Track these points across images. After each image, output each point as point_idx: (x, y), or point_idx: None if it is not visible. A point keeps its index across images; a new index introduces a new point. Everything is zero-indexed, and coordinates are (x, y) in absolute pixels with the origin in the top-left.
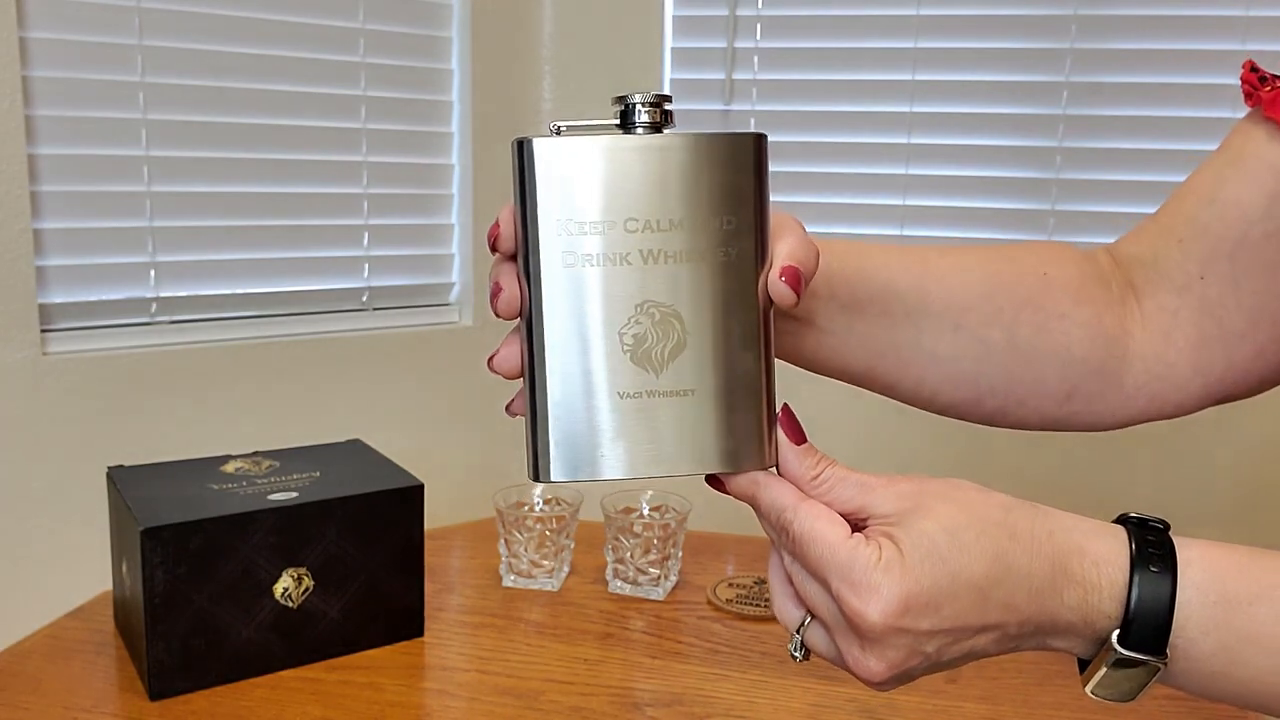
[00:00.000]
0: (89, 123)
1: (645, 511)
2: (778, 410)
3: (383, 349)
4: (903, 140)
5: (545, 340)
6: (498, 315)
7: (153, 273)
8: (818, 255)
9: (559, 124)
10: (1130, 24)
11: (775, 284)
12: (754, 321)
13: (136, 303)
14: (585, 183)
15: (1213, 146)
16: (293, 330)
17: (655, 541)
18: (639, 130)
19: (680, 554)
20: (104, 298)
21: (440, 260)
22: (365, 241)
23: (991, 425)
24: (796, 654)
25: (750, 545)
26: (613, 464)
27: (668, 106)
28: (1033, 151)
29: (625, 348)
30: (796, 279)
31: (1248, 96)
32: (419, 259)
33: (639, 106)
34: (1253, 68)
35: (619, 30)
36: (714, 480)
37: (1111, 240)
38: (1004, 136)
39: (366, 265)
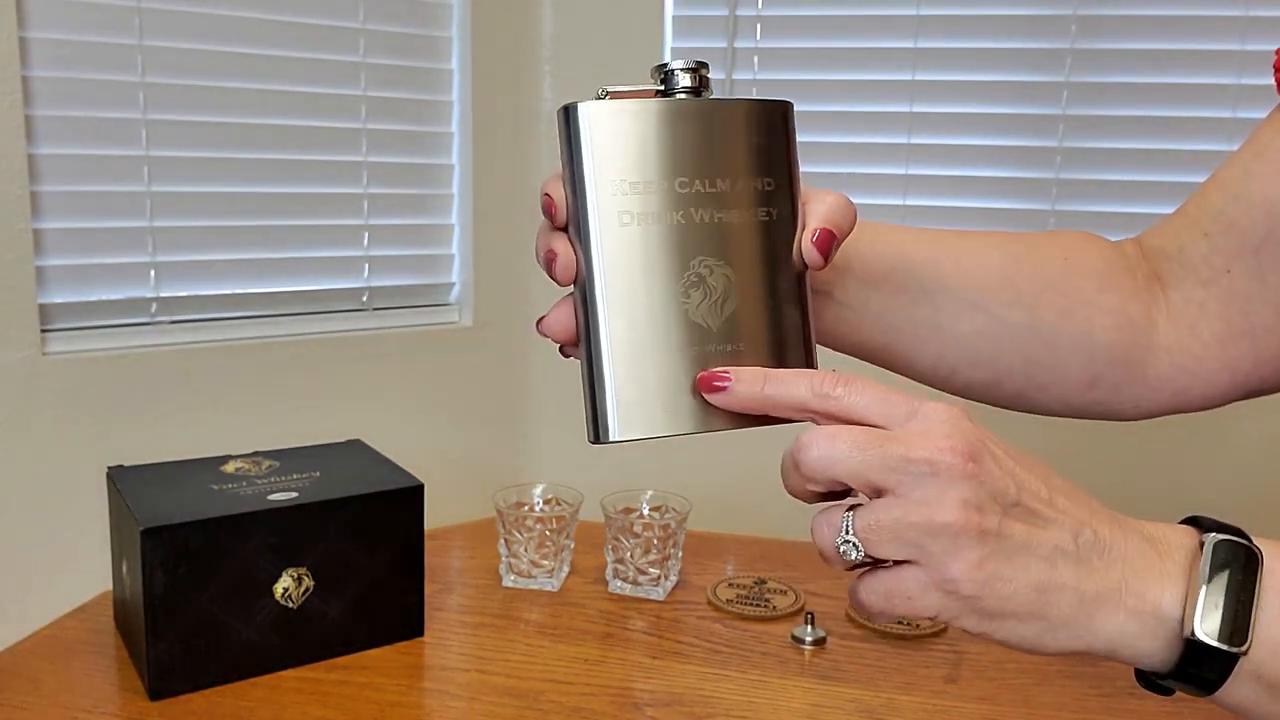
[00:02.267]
0: (89, 123)
1: (645, 511)
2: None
3: (383, 349)
4: (903, 140)
5: (605, 299)
6: (557, 281)
7: (153, 273)
8: (854, 219)
9: (605, 89)
10: (1130, 24)
11: (806, 246)
12: (794, 278)
13: (136, 303)
14: (635, 144)
15: (1213, 146)
16: (293, 330)
17: (655, 541)
18: (680, 95)
19: (680, 554)
20: (104, 298)
21: (440, 260)
22: (365, 241)
23: (1011, 409)
24: (854, 553)
25: (750, 545)
26: (676, 419)
27: (705, 73)
28: (1033, 151)
29: (684, 304)
30: (827, 242)
31: (1279, 88)
32: (419, 259)
33: (680, 72)
34: None
35: (619, 30)
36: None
37: (1109, 239)
38: (1004, 136)
39: (366, 265)
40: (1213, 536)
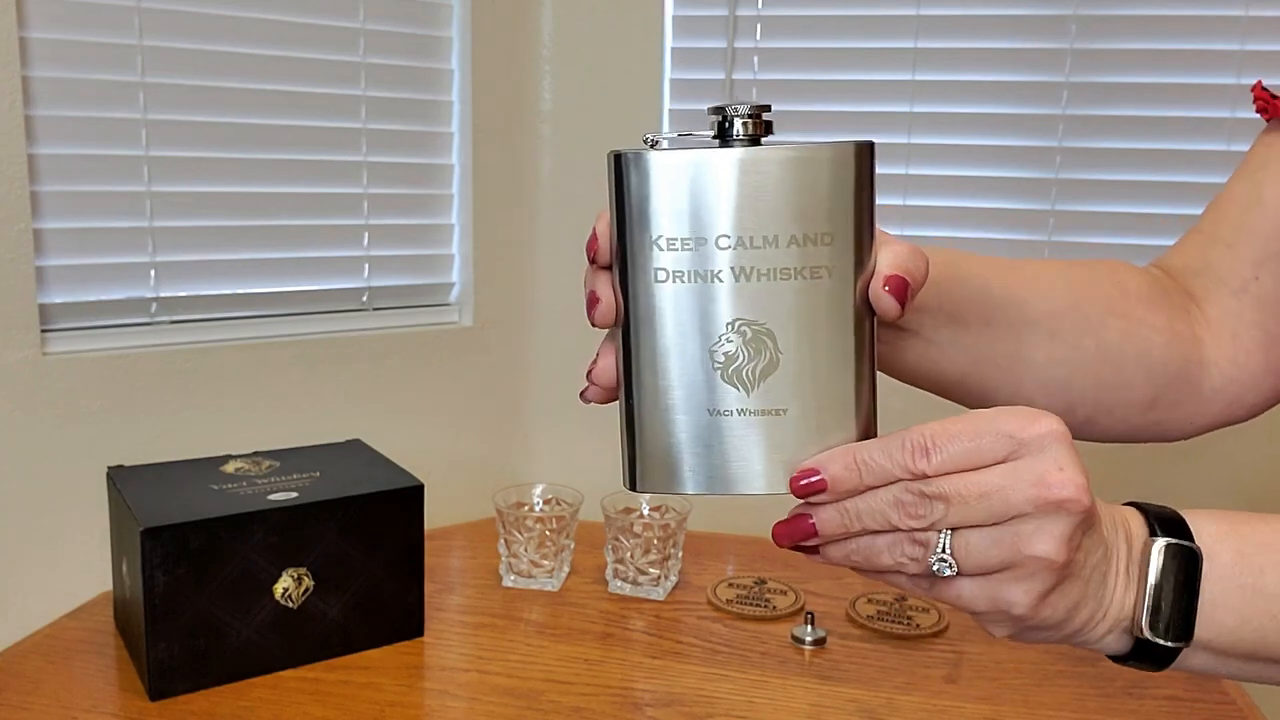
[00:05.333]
0: (89, 123)
1: (645, 511)
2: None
3: (383, 349)
4: (903, 140)
5: (638, 355)
6: (594, 325)
7: (153, 273)
8: (927, 265)
9: (653, 136)
10: (1130, 24)
11: (878, 294)
12: (849, 340)
13: (136, 303)
14: (676, 198)
15: (1213, 146)
16: (293, 330)
17: (655, 541)
18: (736, 142)
19: (680, 554)
20: (104, 298)
21: (440, 260)
22: (365, 241)
23: (1079, 438)
24: (948, 570)
25: (750, 545)
26: (701, 480)
27: (766, 117)
28: (1033, 151)
29: (716, 365)
30: (903, 290)
31: (1263, 111)
32: (419, 259)
33: (736, 119)
34: (1263, 87)
35: (619, 30)
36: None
37: (1110, 240)
38: (1004, 136)
39: (366, 265)
40: (1160, 542)
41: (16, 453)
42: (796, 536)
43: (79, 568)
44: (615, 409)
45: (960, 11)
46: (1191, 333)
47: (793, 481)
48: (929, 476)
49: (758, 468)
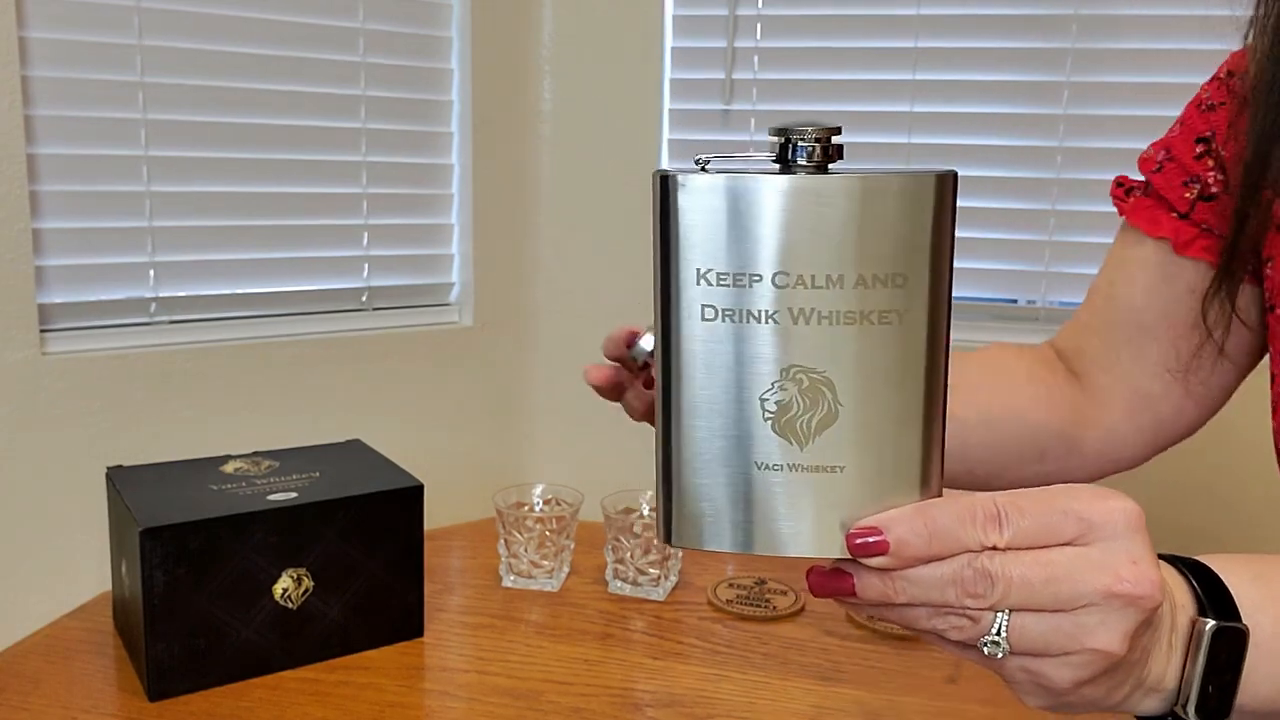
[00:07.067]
0: (89, 123)
1: (645, 511)
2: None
3: (383, 349)
4: (903, 140)
5: (678, 400)
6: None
7: (152, 273)
8: None
9: (705, 158)
10: (1130, 24)
11: None
12: (918, 394)
13: (136, 303)
14: (730, 229)
15: None
16: (293, 330)
17: (655, 542)
18: (799, 168)
19: (681, 554)
20: (103, 298)
21: (440, 260)
22: (365, 241)
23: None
24: (999, 653)
25: None
26: (745, 538)
27: (837, 140)
28: (1033, 151)
29: (767, 415)
30: None
31: (1119, 209)
32: (419, 259)
33: (801, 142)
34: (1119, 182)
35: (619, 30)
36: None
37: (1110, 240)
38: (1004, 136)
39: (366, 265)
40: (1210, 625)
41: (16, 453)
42: (832, 593)
43: (79, 568)
44: (616, 408)
45: (960, 11)
46: (1070, 402)
47: (849, 538)
48: (995, 549)
49: (807, 528)
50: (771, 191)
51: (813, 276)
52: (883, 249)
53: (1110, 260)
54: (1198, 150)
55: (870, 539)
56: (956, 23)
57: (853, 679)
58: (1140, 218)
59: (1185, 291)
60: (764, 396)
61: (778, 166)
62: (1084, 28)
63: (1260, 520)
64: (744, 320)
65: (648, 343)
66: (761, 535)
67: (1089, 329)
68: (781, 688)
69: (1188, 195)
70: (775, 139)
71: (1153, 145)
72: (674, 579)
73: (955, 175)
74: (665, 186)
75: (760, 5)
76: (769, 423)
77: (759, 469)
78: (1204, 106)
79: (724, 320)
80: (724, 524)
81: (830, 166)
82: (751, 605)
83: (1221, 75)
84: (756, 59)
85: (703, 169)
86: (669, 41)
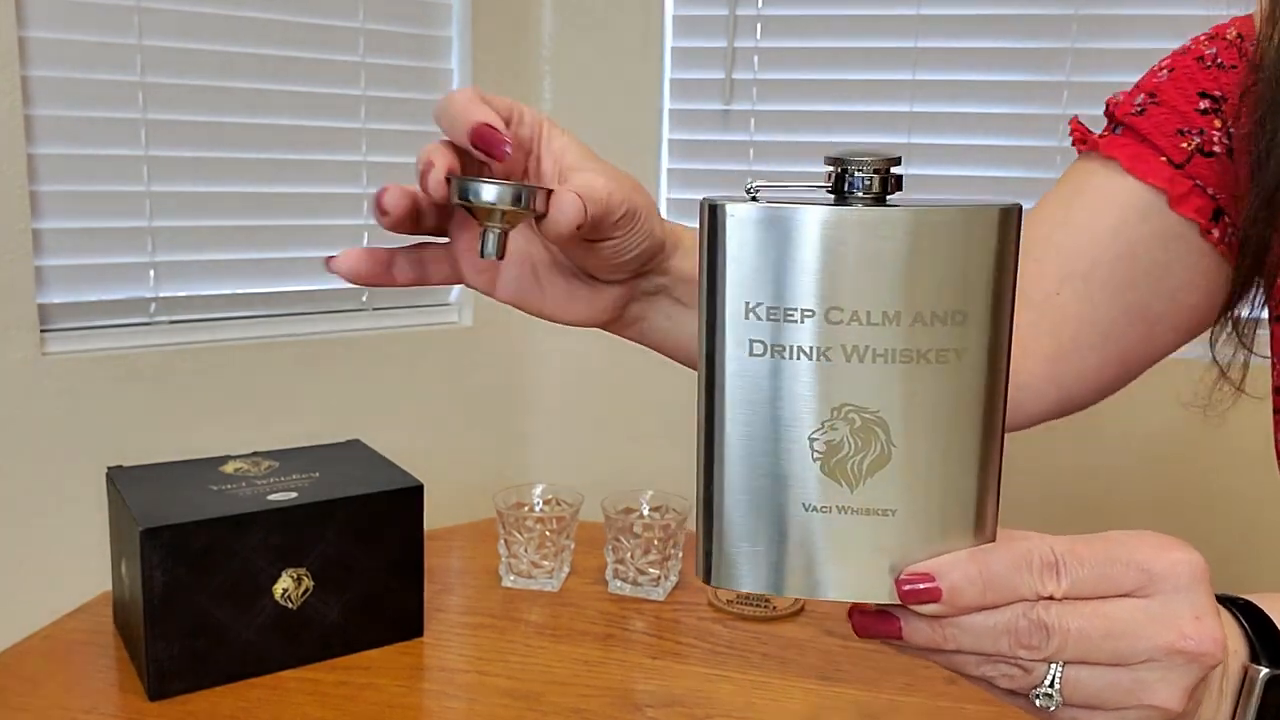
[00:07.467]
0: (89, 123)
1: (645, 511)
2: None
3: (383, 349)
4: (903, 140)
5: (723, 436)
6: (380, 210)
7: (152, 273)
8: (625, 203)
9: (757, 184)
10: (1130, 24)
11: (557, 204)
12: (976, 437)
13: (136, 303)
14: (782, 261)
15: None
16: (293, 330)
17: (655, 542)
18: (855, 199)
19: (681, 554)
20: (103, 298)
21: None
22: (365, 241)
23: None
24: (1051, 705)
25: None
26: (790, 581)
27: (896, 170)
28: (1033, 151)
29: (816, 456)
30: (579, 211)
31: (1080, 143)
32: None
33: (858, 172)
34: (1079, 121)
35: (619, 30)
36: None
37: None
38: (1004, 136)
39: None
40: (1264, 674)
41: (16, 453)
42: (877, 635)
43: (79, 568)
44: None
45: (960, 11)
46: None
47: (900, 584)
48: (1052, 599)
49: (854, 572)
50: (825, 223)
51: (868, 313)
52: (942, 285)
53: (1061, 189)
54: (1202, 105)
55: (921, 585)
56: (956, 23)
57: (853, 679)
58: (1121, 153)
59: (1157, 241)
60: (813, 436)
61: (831, 197)
62: (1084, 28)
63: (1259, 525)
64: (794, 357)
65: (489, 192)
66: (805, 577)
67: (1025, 255)
68: (781, 688)
69: (1184, 145)
70: (831, 168)
71: (1122, 93)
72: (674, 579)
73: (1020, 209)
74: (714, 217)
75: (760, 5)
76: (818, 463)
77: (805, 510)
78: (1208, 63)
79: (773, 356)
80: (766, 565)
81: (888, 198)
82: (751, 605)
83: (1230, 36)
84: (756, 59)
85: (753, 198)
86: (669, 41)
